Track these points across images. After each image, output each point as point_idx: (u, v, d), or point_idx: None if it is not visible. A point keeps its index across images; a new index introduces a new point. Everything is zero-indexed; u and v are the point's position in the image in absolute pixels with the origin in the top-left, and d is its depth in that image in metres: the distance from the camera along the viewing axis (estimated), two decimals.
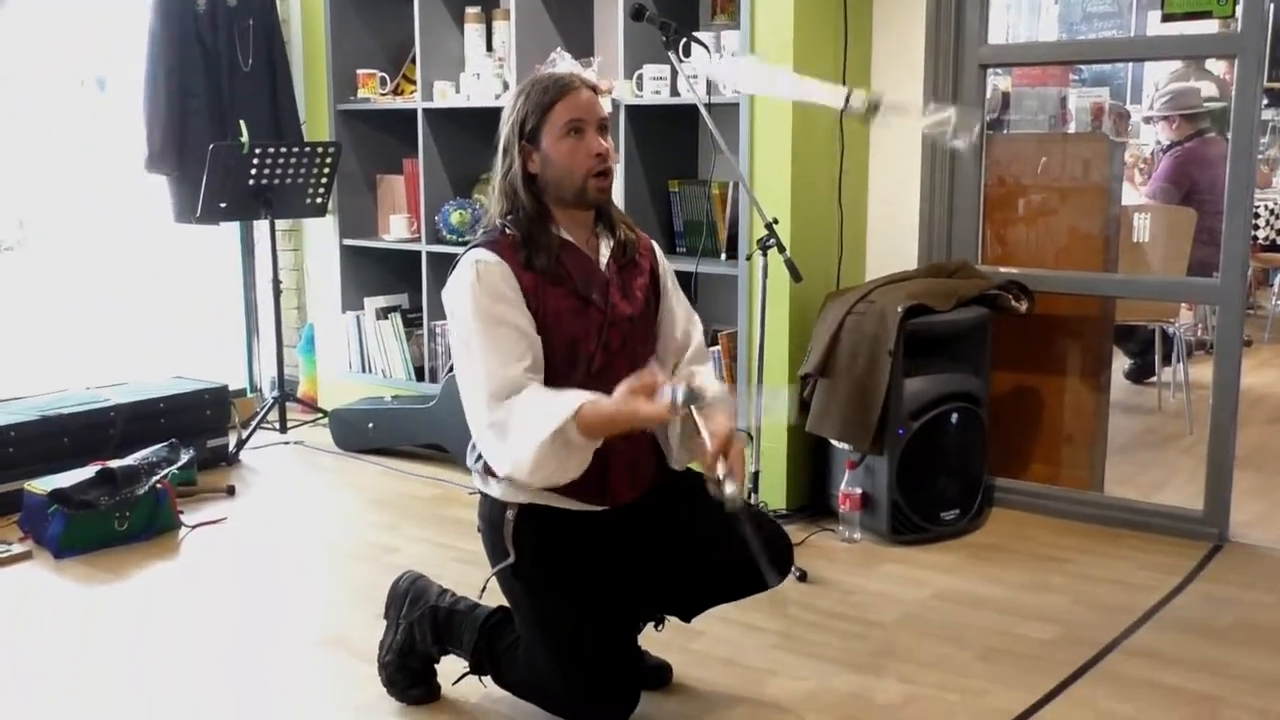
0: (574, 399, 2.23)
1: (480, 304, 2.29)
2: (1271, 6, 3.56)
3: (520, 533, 2.41)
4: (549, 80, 2.38)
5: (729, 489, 2.14)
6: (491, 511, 2.47)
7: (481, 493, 2.50)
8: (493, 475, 2.40)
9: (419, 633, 2.63)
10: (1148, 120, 6.95)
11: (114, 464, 3.85)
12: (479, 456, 2.43)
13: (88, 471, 3.80)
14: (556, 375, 2.34)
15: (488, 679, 2.59)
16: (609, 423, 2.23)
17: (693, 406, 2.19)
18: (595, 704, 2.43)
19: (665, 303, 2.57)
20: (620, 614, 2.49)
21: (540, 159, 2.35)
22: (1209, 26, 4.01)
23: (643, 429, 2.35)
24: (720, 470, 2.16)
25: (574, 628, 2.40)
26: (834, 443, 3.83)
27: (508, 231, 2.36)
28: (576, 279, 2.38)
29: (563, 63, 4.17)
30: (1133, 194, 6.03)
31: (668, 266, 2.62)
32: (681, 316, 2.60)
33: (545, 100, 2.34)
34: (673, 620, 2.72)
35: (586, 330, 2.38)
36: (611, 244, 2.46)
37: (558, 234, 2.39)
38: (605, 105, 2.43)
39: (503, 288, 2.30)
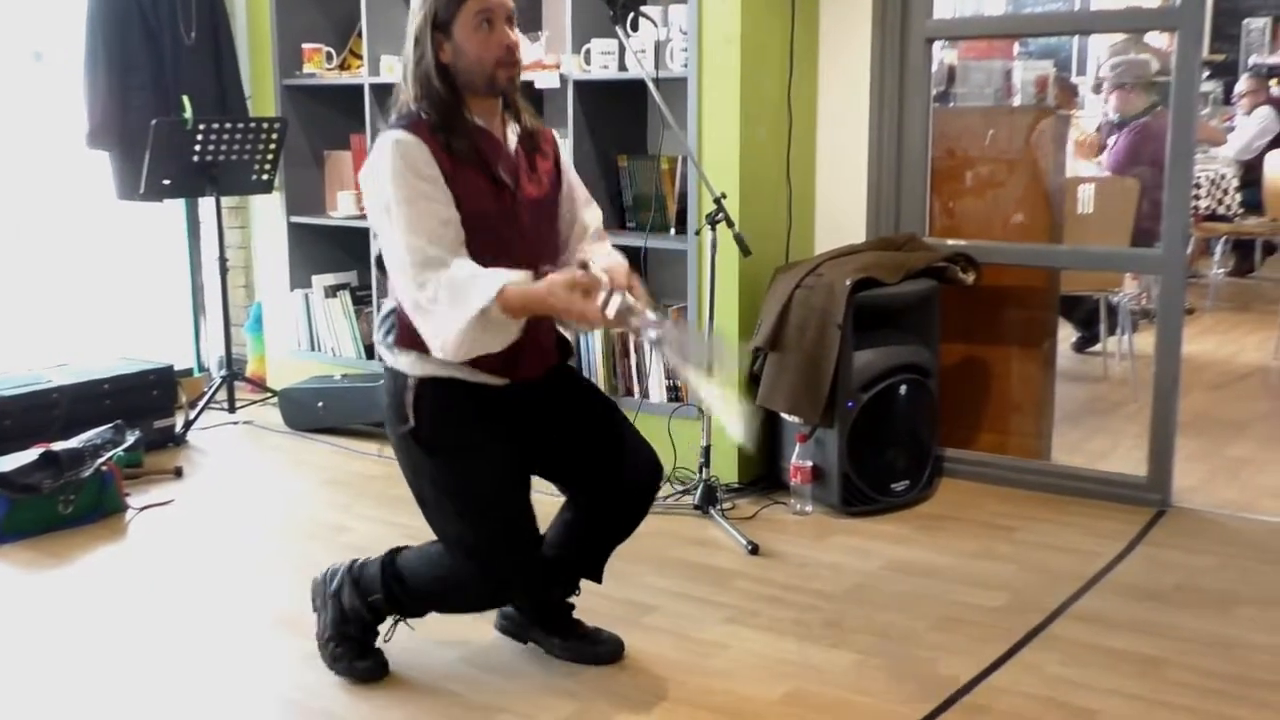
0: (496, 280, 2.29)
1: (403, 179, 2.35)
2: None
3: (420, 400, 2.47)
4: None
5: (653, 332, 2.29)
6: (394, 383, 2.52)
7: (386, 366, 2.55)
8: (402, 348, 2.47)
9: (345, 597, 2.68)
10: (1097, 89, 7.02)
11: (58, 446, 3.80)
12: (388, 331, 2.51)
13: (31, 454, 3.74)
14: (471, 253, 2.40)
15: (413, 621, 2.69)
16: (538, 304, 2.31)
17: (628, 318, 2.28)
18: (505, 556, 2.51)
19: (567, 189, 2.66)
20: (519, 477, 2.55)
21: (452, 49, 2.41)
22: (1150, 1, 4.05)
23: (562, 318, 2.42)
24: (610, 304, 2.27)
25: (476, 477, 2.47)
26: (784, 416, 3.85)
27: (424, 116, 2.42)
28: (490, 161, 2.45)
29: None
30: (1085, 168, 6.09)
31: (568, 160, 2.72)
32: (581, 199, 2.70)
33: None
34: (623, 596, 2.74)
35: (499, 211, 2.46)
36: (519, 131, 2.54)
37: (470, 119, 2.45)
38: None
39: (423, 167, 2.36)
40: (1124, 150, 5.83)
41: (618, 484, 2.62)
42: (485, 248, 2.40)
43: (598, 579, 2.75)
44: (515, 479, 2.55)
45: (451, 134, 2.40)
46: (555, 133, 2.70)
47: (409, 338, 2.44)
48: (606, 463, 2.62)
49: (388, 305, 2.54)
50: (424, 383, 2.46)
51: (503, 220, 2.45)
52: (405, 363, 2.48)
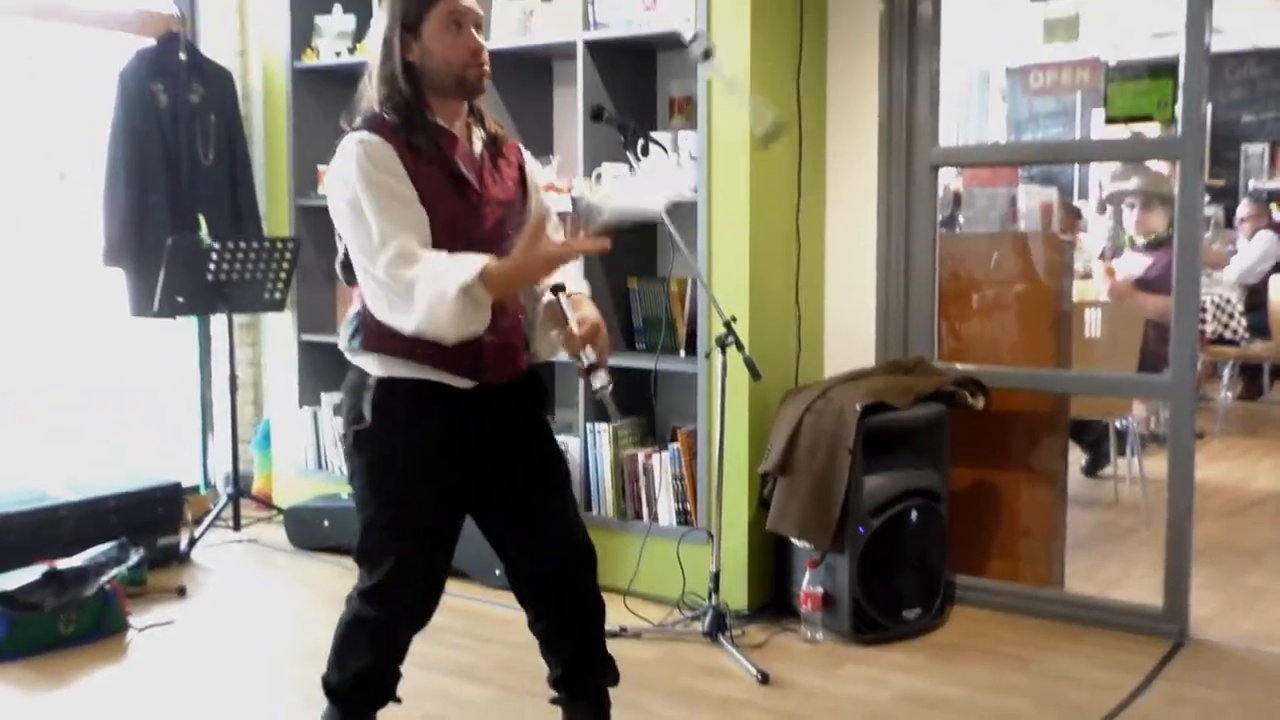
0: (477, 258, 2.32)
1: (370, 176, 2.36)
2: (1210, 109, 3.67)
3: (379, 400, 2.46)
4: None
5: (597, 382, 2.33)
6: (356, 379, 2.51)
7: (352, 365, 2.54)
8: (367, 351, 2.47)
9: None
10: (1102, 210, 7.07)
11: (62, 564, 3.76)
12: (353, 334, 2.50)
13: (34, 572, 3.71)
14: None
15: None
16: (517, 273, 2.34)
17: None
18: (410, 583, 2.50)
19: (534, 201, 2.67)
20: (456, 511, 2.54)
21: (420, 49, 2.45)
22: (1151, 129, 4.12)
23: (542, 277, 2.42)
24: (588, 357, 2.35)
25: (416, 494, 2.46)
26: (794, 541, 3.82)
27: (386, 117, 2.45)
28: (452, 159, 2.47)
29: None
30: (1100, 292, 6.04)
31: (536, 167, 2.75)
32: (547, 212, 2.69)
33: None
34: None
35: (464, 210, 2.46)
36: (483, 135, 2.57)
37: (433, 119, 2.48)
38: (478, 6, 2.53)
39: (389, 163, 2.38)
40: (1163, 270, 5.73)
41: (544, 571, 2.61)
42: (450, 248, 2.41)
43: (605, 677, 2.69)
44: (452, 512, 2.53)
45: (413, 131, 2.43)
46: (521, 145, 2.72)
47: (374, 340, 2.45)
48: (538, 543, 2.59)
49: (353, 309, 2.54)
50: (384, 382, 2.46)
51: (468, 218, 2.47)
52: (368, 362, 2.48)
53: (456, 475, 2.50)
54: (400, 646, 2.57)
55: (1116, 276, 5.98)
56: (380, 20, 2.49)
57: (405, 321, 2.36)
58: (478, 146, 2.55)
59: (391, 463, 2.47)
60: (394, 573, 2.48)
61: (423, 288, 2.31)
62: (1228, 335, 7.53)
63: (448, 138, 2.49)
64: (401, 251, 2.33)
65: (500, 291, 2.34)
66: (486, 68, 2.50)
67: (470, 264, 2.31)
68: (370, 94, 2.50)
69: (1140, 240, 6.16)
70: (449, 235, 2.43)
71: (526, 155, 2.70)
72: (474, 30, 2.47)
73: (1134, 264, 6.07)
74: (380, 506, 2.49)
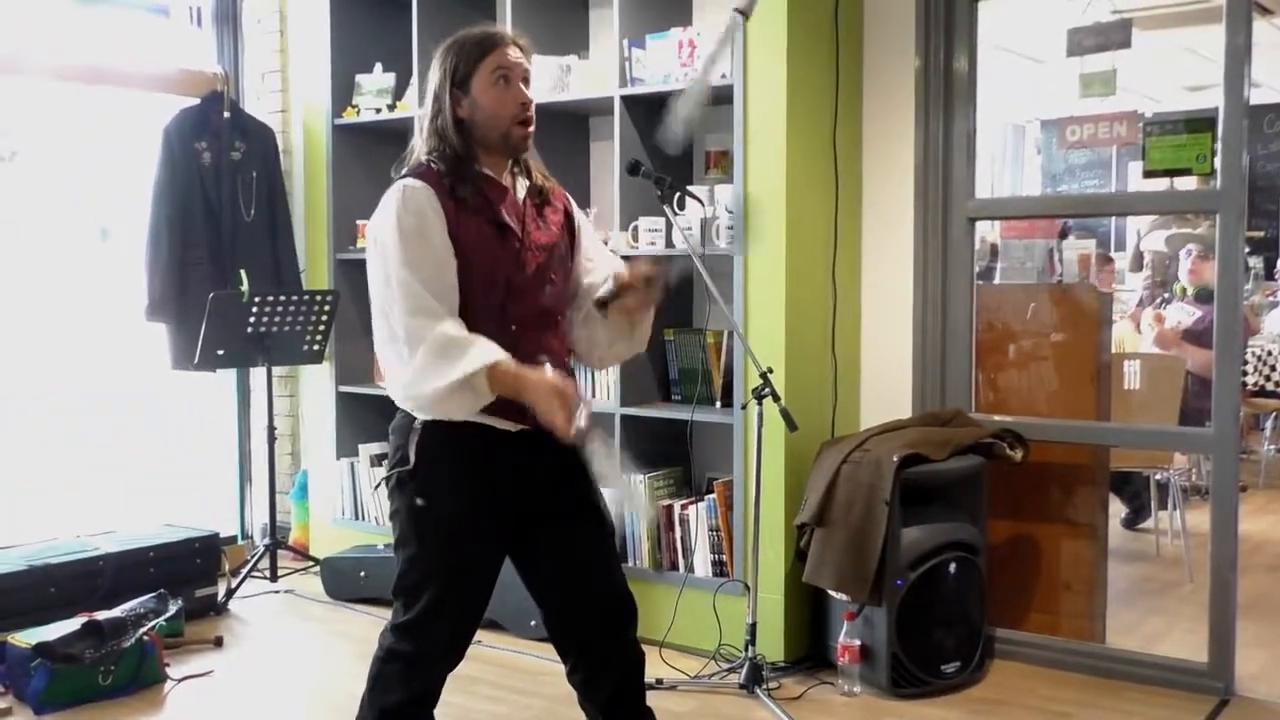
0: (492, 350, 2.35)
1: (404, 222, 2.41)
2: (1248, 161, 3.66)
3: (425, 441, 2.48)
4: (481, 34, 2.56)
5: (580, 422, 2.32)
6: (403, 420, 2.54)
7: (400, 407, 2.55)
8: None
9: None
10: (1139, 262, 7.02)
11: (101, 616, 3.78)
12: None
13: (74, 624, 3.73)
14: (475, 299, 2.46)
15: None
16: (522, 390, 2.36)
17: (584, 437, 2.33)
18: (445, 625, 2.50)
19: (580, 247, 2.70)
20: (495, 560, 2.57)
21: (469, 104, 2.51)
22: (1187, 181, 4.11)
23: (541, 403, 2.38)
24: (581, 418, 2.32)
25: (458, 536, 2.48)
26: (831, 593, 3.79)
27: (433, 166, 2.50)
28: (495, 207, 2.51)
29: None
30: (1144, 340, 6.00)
31: (584, 217, 2.76)
32: (596, 254, 2.73)
33: (478, 51, 2.52)
34: None
35: (504, 256, 2.50)
36: (528, 185, 2.61)
37: (479, 170, 2.53)
38: (528, 62, 2.58)
39: (427, 210, 2.43)
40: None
41: (587, 621, 2.61)
42: (491, 293, 2.46)
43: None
44: (491, 553, 2.56)
45: (458, 180, 2.47)
46: (569, 195, 2.76)
47: None
48: (583, 593, 2.60)
49: None
50: (430, 425, 2.48)
51: (510, 265, 2.50)
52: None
53: (498, 517, 2.52)
54: (432, 686, 2.56)
55: (1165, 324, 5.95)
56: (432, 77, 2.55)
57: (400, 375, 2.41)
58: (521, 193, 2.59)
59: (433, 502, 2.49)
60: (430, 608, 2.49)
61: (428, 351, 2.35)
62: (1270, 388, 7.44)
63: (493, 186, 2.54)
64: (420, 307, 2.37)
65: (500, 391, 2.37)
66: (532, 125, 2.54)
67: (484, 353, 2.35)
68: (420, 147, 2.56)
69: (1191, 291, 6.13)
70: (489, 281, 2.47)
71: (573, 202, 2.74)
72: (522, 85, 2.53)
73: (1183, 314, 6.05)
74: (421, 544, 2.51)
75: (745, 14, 2.93)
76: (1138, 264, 8.61)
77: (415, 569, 2.51)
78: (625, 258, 4.16)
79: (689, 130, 2.92)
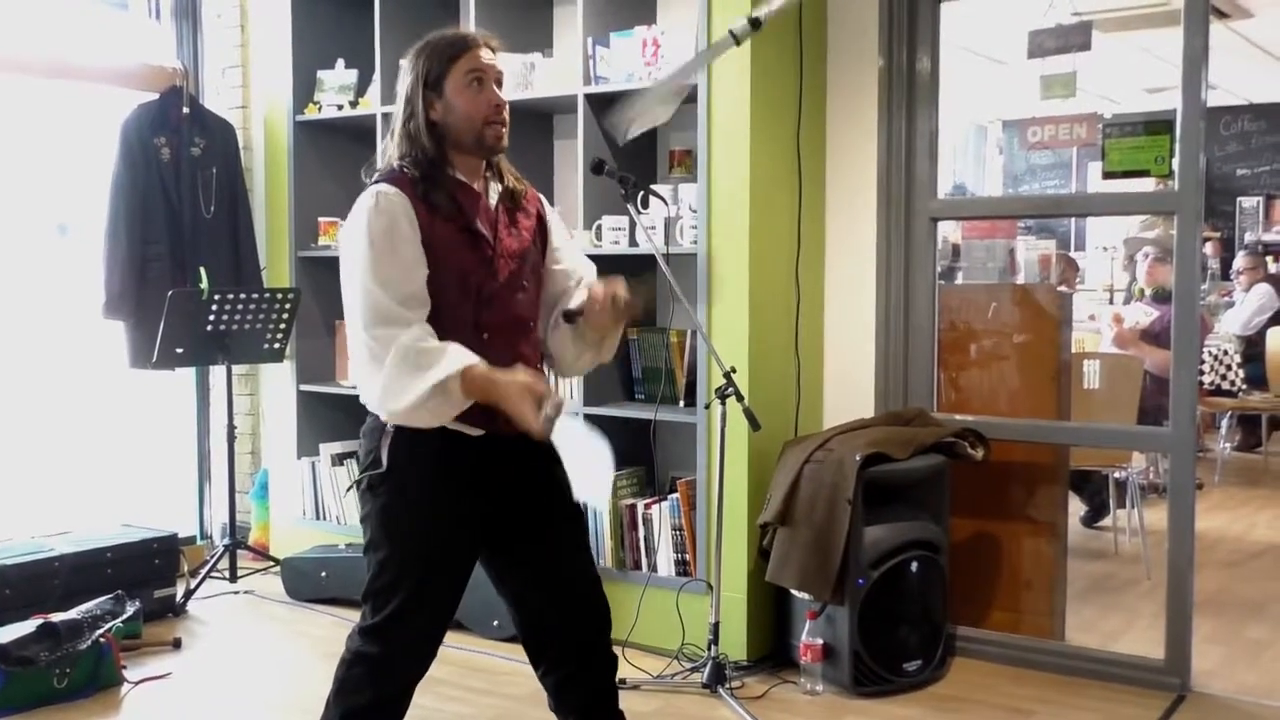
0: (464, 355, 2.35)
1: (375, 226, 2.41)
2: (1204, 164, 3.70)
3: (396, 446, 2.48)
4: (453, 36, 2.57)
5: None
6: (374, 423, 2.53)
7: (370, 411, 2.54)
8: None
9: None
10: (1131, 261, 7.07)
11: (56, 618, 3.73)
12: None
13: (29, 626, 3.67)
14: (447, 306, 2.45)
15: None
16: (494, 394, 2.35)
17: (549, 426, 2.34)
18: (412, 627, 2.49)
19: (551, 249, 2.69)
20: (465, 565, 2.56)
21: (442, 106, 2.51)
22: (1145, 183, 4.15)
23: (513, 404, 2.38)
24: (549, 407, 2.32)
25: (429, 539, 2.48)
26: (794, 592, 3.80)
27: (405, 171, 2.49)
28: (467, 213, 2.50)
29: None
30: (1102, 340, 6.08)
31: (558, 218, 2.77)
32: (570, 256, 2.73)
33: (450, 53, 2.52)
34: None
35: (476, 262, 2.49)
36: (500, 189, 2.60)
37: (452, 174, 2.52)
38: (500, 63, 2.58)
39: (399, 215, 2.42)
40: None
41: (564, 624, 2.60)
42: (463, 301, 2.46)
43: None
44: (462, 558, 2.55)
45: (431, 186, 2.47)
46: (542, 196, 2.75)
47: None
48: (560, 597, 2.60)
49: None
50: (401, 429, 2.47)
51: (481, 273, 2.50)
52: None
53: (469, 521, 2.51)
54: (399, 690, 2.54)
55: (1124, 325, 6.02)
56: (403, 80, 2.54)
57: (372, 383, 2.39)
58: (494, 198, 2.58)
59: (406, 506, 2.48)
60: (399, 611, 2.48)
61: (396, 361, 2.35)
62: (1225, 386, 7.55)
63: (466, 192, 2.52)
64: (388, 316, 2.37)
65: (473, 396, 2.37)
66: (506, 126, 2.54)
67: (456, 359, 2.35)
68: (391, 150, 2.54)
69: (1149, 291, 6.21)
70: (461, 288, 2.46)
71: (546, 204, 2.73)
72: (495, 87, 2.53)
73: (1141, 314, 6.11)
74: (393, 548, 2.49)
75: (738, 38, 2.91)
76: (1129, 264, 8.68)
77: (386, 572, 2.50)
78: (590, 256, 4.16)
79: (641, 126, 2.92)
